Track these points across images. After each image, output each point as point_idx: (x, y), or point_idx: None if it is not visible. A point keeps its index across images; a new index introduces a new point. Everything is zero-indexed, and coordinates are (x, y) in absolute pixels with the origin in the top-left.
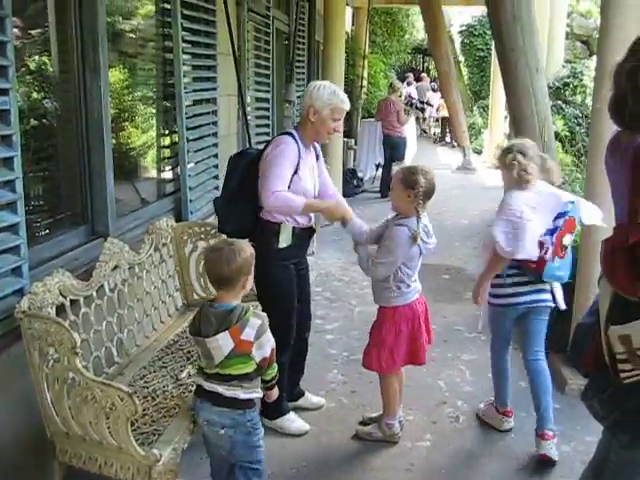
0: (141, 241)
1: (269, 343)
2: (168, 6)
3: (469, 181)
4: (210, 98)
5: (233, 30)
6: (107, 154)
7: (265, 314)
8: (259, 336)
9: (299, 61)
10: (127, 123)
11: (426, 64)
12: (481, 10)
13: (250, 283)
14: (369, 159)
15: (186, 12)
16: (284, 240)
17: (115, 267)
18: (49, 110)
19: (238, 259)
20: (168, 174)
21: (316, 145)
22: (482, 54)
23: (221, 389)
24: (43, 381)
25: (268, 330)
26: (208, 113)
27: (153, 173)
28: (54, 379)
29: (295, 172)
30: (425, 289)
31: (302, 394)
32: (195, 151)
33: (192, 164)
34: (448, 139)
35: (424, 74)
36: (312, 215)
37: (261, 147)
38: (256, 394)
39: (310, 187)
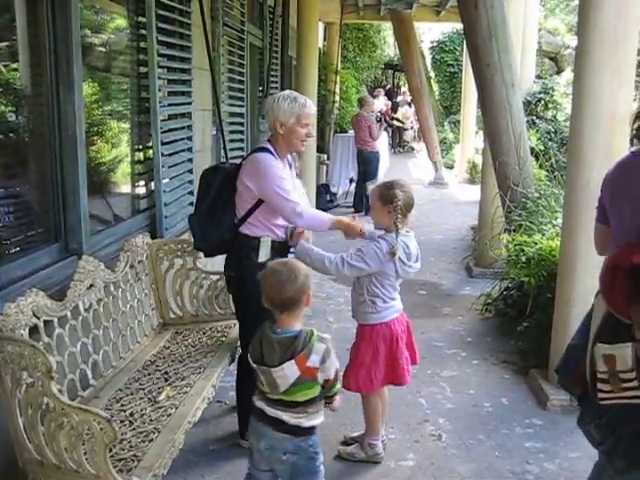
0: (116, 258)
1: (333, 365)
2: (143, 19)
3: (442, 196)
4: (185, 112)
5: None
6: (81, 170)
7: (328, 336)
8: (324, 361)
9: (273, 76)
10: (101, 138)
11: (397, 80)
12: (452, 26)
13: (311, 299)
14: (342, 174)
15: (161, 25)
16: (264, 254)
17: (90, 286)
18: (20, 125)
19: (300, 277)
20: (142, 190)
21: (288, 156)
22: (452, 70)
23: (285, 417)
24: (15, 407)
25: (332, 353)
26: (183, 128)
27: (127, 189)
28: (27, 404)
29: None
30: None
31: None
32: (170, 166)
33: (167, 179)
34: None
35: (404, 89)
36: (288, 230)
37: (237, 162)
38: (319, 420)
39: (295, 198)
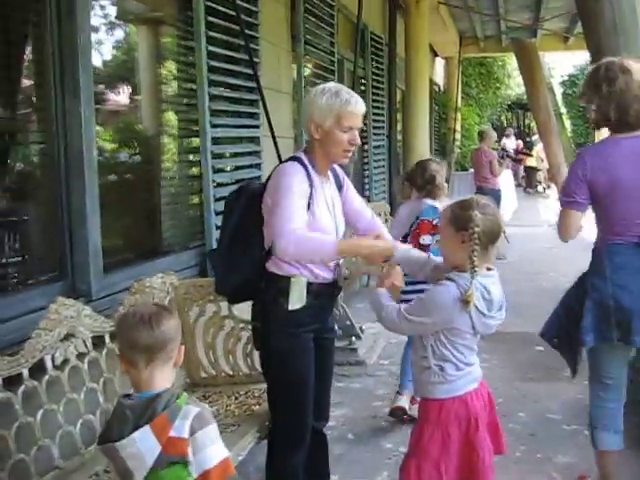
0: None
1: (216, 448)
2: (191, 29)
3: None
4: (252, 137)
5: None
6: (90, 195)
7: (207, 406)
8: (194, 431)
9: (377, 107)
10: (137, 158)
11: (528, 120)
12: (583, 57)
13: (182, 356)
14: None
15: (212, 34)
16: (296, 300)
17: (68, 336)
18: (19, 142)
19: (170, 318)
20: (190, 222)
21: (337, 171)
22: None
23: None
24: None
25: (213, 426)
26: (249, 154)
27: (170, 220)
28: None
29: (307, 208)
30: (512, 365)
31: None
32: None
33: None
34: (540, 188)
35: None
36: (340, 269)
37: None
38: None
39: (329, 227)
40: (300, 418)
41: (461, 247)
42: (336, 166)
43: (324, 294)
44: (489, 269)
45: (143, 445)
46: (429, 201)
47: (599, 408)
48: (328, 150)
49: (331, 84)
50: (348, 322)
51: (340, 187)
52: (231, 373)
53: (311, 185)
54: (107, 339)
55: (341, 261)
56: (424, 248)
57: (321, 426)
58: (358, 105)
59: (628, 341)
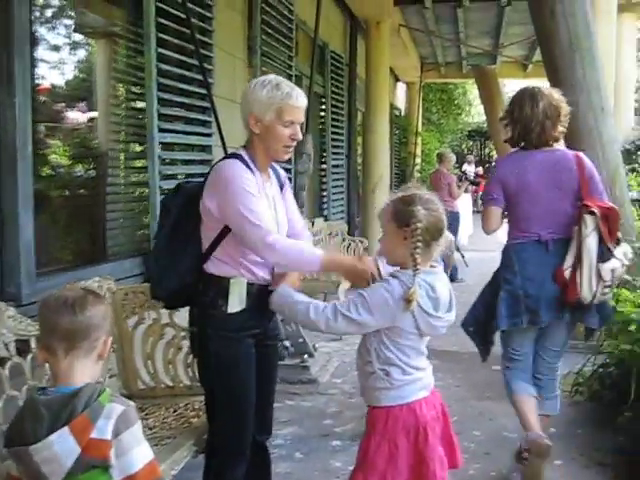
0: None
1: (141, 450)
2: (140, 30)
3: None
4: (203, 145)
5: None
6: (22, 191)
7: (132, 402)
8: (119, 432)
9: (336, 127)
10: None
11: (487, 149)
12: (542, 84)
13: (108, 349)
14: None
15: (162, 36)
16: (236, 302)
17: None
18: None
19: (98, 304)
20: (133, 229)
21: (279, 170)
22: None
23: None
24: None
25: (138, 425)
26: (201, 162)
27: (115, 225)
28: None
29: None
30: (468, 384)
31: None
32: None
33: None
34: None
35: (470, 155)
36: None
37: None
38: None
39: (270, 226)
40: (240, 430)
41: (403, 244)
42: (277, 166)
43: (265, 296)
44: (432, 266)
45: (61, 448)
46: None
47: (510, 370)
48: (268, 145)
49: (271, 76)
50: (300, 339)
51: (281, 187)
52: (171, 384)
53: (255, 183)
54: (33, 344)
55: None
56: None
57: (264, 439)
58: (300, 98)
59: (536, 322)
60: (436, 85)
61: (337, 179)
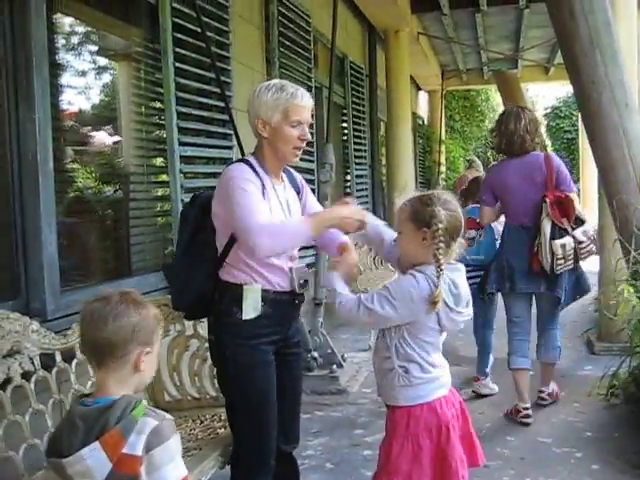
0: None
1: (173, 467)
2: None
3: None
4: (224, 158)
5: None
6: (45, 207)
7: (168, 416)
8: (150, 448)
9: (358, 137)
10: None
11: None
12: (565, 89)
13: (150, 364)
14: None
15: (180, 50)
16: (250, 309)
17: (12, 353)
18: None
19: (129, 319)
20: (161, 244)
21: (294, 174)
22: (570, 136)
23: None
24: None
25: (172, 441)
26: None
27: (137, 242)
28: None
29: None
30: (501, 390)
31: None
32: None
33: None
34: None
35: (494, 162)
36: (294, 275)
37: None
38: None
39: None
40: (261, 439)
41: (422, 244)
42: (293, 171)
43: (282, 303)
44: (452, 263)
45: (92, 462)
46: (475, 205)
47: (512, 341)
48: (277, 148)
49: (275, 80)
50: (329, 350)
51: (298, 191)
52: (197, 396)
53: (262, 185)
54: (58, 357)
55: (294, 267)
56: (470, 241)
57: (291, 449)
58: (305, 98)
59: (514, 289)
60: (458, 92)
61: (361, 189)
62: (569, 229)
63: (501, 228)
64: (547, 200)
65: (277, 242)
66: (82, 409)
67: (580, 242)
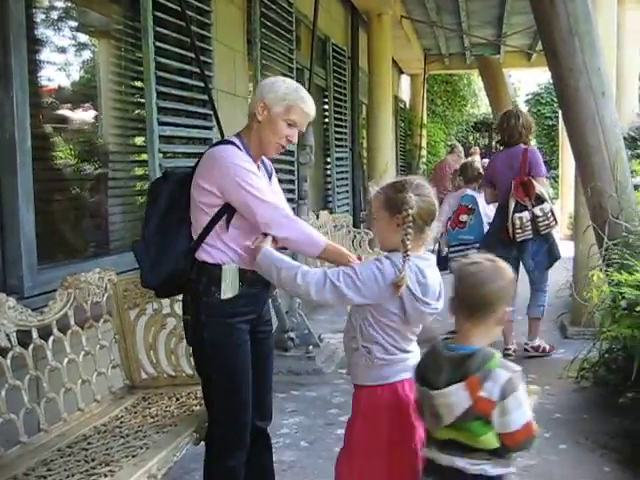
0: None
1: (521, 413)
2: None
3: None
4: (203, 138)
5: (241, 69)
6: (22, 185)
7: (517, 367)
8: (504, 396)
9: (339, 119)
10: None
11: (495, 142)
12: (547, 76)
13: (504, 318)
14: None
15: (160, 30)
16: (228, 288)
17: None
18: None
19: (502, 282)
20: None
21: (265, 161)
22: (551, 122)
23: (461, 463)
24: None
25: (520, 391)
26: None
27: (115, 220)
28: None
29: None
30: None
31: None
32: None
33: None
34: None
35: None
36: None
37: None
38: (509, 469)
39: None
40: (238, 416)
41: (396, 230)
42: (264, 157)
43: (258, 282)
44: (424, 254)
45: (456, 398)
46: (469, 191)
47: None
48: (264, 136)
49: (294, 81)
50: (306, 330)
51: (270, 176)
52: (173, 374)
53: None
54: (35, 334)
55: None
56: (463, 224)
57: (264, 426)
58: (311, 107)
59: (493, 253)
60: (440, 76)
61: (341, 172)
62: (529, 206)
63: (491, 214)
64: (513, 182)
65: (296, 236)
66: (448, 353)
67: (537, 216)
